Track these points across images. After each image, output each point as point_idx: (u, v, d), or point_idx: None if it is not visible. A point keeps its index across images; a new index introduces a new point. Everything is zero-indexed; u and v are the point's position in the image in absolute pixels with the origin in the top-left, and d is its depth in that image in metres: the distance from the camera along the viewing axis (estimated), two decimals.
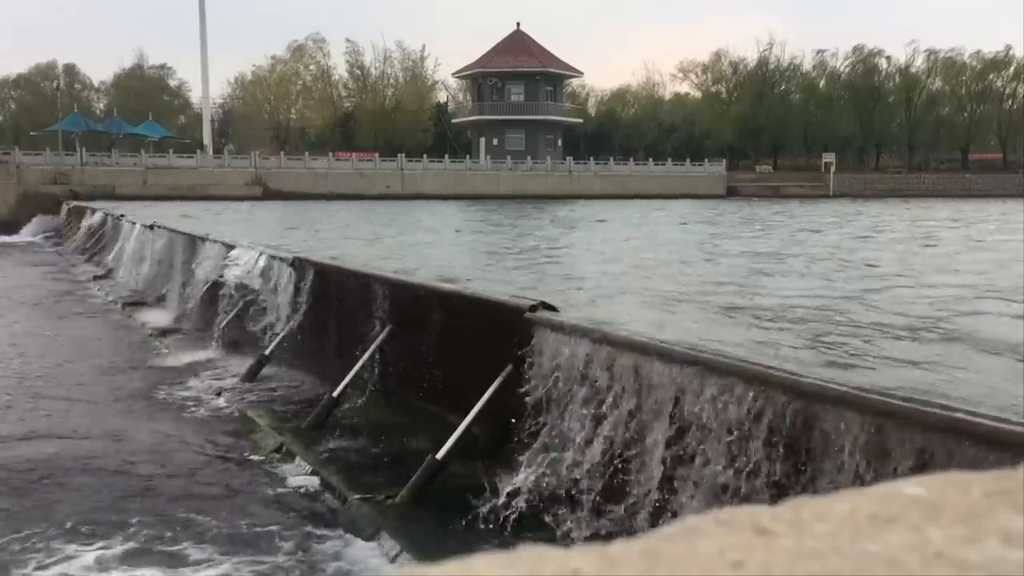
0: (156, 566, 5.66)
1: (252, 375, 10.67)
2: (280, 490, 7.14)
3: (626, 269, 13.01)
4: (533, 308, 6.61)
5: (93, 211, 30.29)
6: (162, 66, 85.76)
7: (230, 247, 13.05)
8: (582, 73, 78.97)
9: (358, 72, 77.79)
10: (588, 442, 5.76)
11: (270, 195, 50.34)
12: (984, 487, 0.77)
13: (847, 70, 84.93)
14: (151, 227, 19.44)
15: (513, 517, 5.82)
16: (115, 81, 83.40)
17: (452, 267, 12.75)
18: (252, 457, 7.98)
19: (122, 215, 24.57)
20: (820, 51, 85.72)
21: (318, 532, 6.28)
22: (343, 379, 8.80)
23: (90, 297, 18.89)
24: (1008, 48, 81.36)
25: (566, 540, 5.47)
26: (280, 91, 77.94)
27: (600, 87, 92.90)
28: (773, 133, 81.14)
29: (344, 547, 6.02)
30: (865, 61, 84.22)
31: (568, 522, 5.70)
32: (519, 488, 5.91)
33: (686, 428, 5.14)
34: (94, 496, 6.85)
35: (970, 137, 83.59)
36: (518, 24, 76.19)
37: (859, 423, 4.11)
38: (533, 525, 5.80)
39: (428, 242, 19.63)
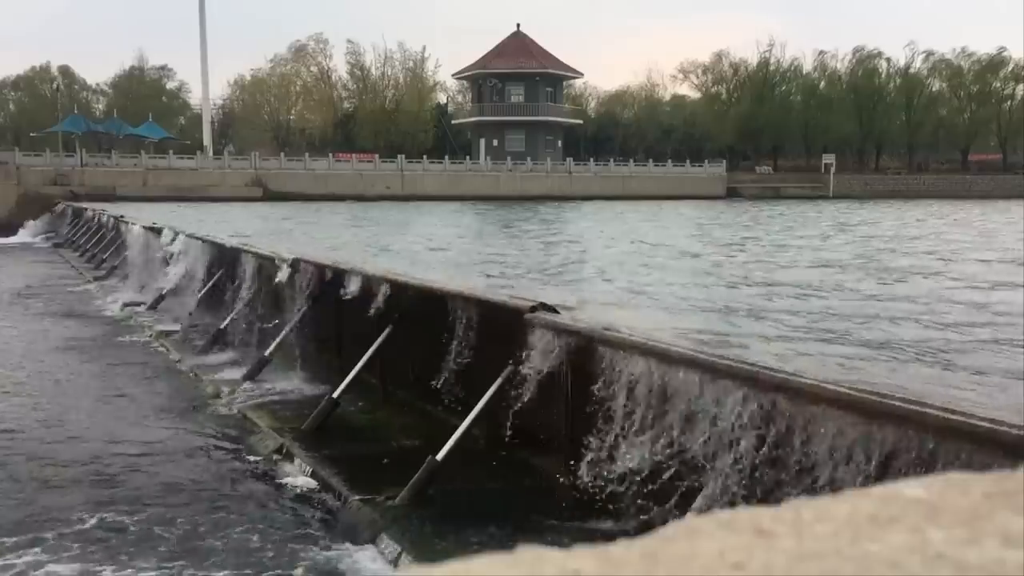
0: (154, 567, 5.66)
1: (252, 376, 10.67)
2: (280, 491, 7.13)
3: None
4: (533, 309, 6.61)
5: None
6: (162, 67, 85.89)
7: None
8: (582, 74, 79.09)
9: (359, 73, 77.84)
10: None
11: (270, 196, 50.36)
12: (984, 488, 0.77)
13: (848, 71, 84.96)
14: None
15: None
16: (115, 82, 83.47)
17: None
18: (252, 458, 7.98)
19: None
20: (821, 52, 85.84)
21: (318, 533, 6.28)
22: (343, 380, 8.79)
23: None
24: (1002, 49, 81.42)
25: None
26: (280, 92, 77.99)
27: (600, 88, 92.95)
28: (773, 134, 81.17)
29: (344, 548, 6.01)
30: (865, 62, 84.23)
31: None
32: None
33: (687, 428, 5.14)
34: (89, 497, 6.85)
35: (970, 138, 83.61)
36: (518, 25, 76.38)
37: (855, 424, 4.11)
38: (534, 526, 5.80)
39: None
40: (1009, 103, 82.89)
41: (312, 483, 7.23)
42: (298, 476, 7.43)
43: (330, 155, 59.43)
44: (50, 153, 50.49)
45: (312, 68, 78.42)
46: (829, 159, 72.92)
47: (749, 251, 17.08)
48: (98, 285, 20.59)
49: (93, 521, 6.35)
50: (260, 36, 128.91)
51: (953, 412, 3.77)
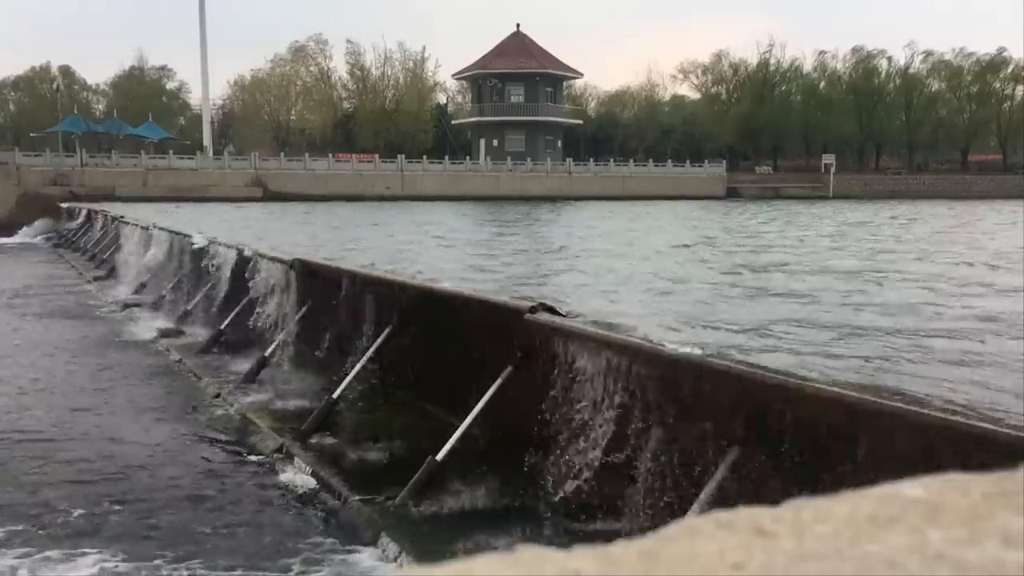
0: (154, 566, 5.65)
1: (252, 377, 10.67)
2: (280, 492, 7.14)
3: None
4: (533, 310, 6.61)
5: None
6: (162, 68, 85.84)
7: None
8: (582, 74, 78.97)
9: (358, 73, 77.77)
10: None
11: (270, 196, 50.30)
12: (984, 489, 0.77)
13: (847, 71, 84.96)
14: None
15: None
16: (115, 82, 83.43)
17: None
18: (252, 458, 7.98)
19: None
20: (821, 52, 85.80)
21: (318, 533, 6.28)
22: (343, 380, 8.79)
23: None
24: (1002, 50, 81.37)
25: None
26: (280, 92, 77.93)
27: (600, 88, 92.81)
28: (773, 134, 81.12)
29: (344, 548, 6.01)
30: (865, 62, 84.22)
31: None
32: None
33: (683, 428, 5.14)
34: (88, 495, 6.85)
35: (970, 138, 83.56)
36: (518, 25, 76.30)
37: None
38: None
39: None
40: (1009, 103, 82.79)
41: (312, 483, 7.23)
42: (298, 476, 7.43)
43: (330, 155, 59.37)
44: (50, 153, 50.43)
45: (312, 68, 78.37)
46: (829, 159, 72.85)
47: (729, 251, 17.14)
48: (98, 285, 20.59)
49: (91, 520, 6.35)
50: (260, 36, 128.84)
51: (953, 412, 3.77)
